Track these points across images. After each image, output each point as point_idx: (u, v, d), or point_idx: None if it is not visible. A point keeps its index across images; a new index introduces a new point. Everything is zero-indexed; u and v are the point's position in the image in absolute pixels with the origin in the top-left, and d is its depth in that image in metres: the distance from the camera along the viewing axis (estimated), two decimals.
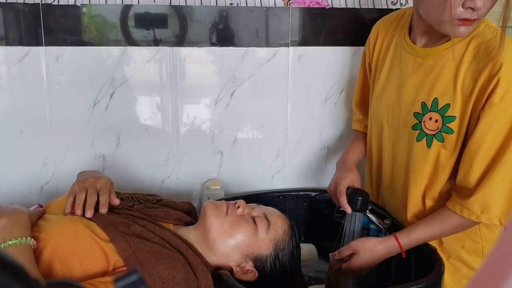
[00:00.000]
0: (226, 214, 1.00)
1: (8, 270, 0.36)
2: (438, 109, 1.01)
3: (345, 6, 1.40)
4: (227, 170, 1.47)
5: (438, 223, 1.02)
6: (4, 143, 1.30)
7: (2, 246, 0.80)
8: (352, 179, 1.15)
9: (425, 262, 1.01)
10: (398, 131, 1.12)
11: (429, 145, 1.04)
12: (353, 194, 1.11)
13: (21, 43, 1.25)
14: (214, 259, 0.98)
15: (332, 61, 1.44)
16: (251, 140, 1.46)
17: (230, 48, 1.37)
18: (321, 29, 1.41)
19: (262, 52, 1.39)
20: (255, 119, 1.45)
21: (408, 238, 1.03)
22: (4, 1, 1.21)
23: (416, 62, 1.07)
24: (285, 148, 1.49)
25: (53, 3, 1.24)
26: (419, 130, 1.05)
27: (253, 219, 1.01)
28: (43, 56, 1.27)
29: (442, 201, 1.06)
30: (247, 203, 1.06)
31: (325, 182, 1.42)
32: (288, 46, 1.40)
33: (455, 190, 1.02)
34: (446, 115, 1.00)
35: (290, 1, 1.37)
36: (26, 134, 1.31)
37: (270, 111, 1.45)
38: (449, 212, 1.01)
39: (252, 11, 1.35)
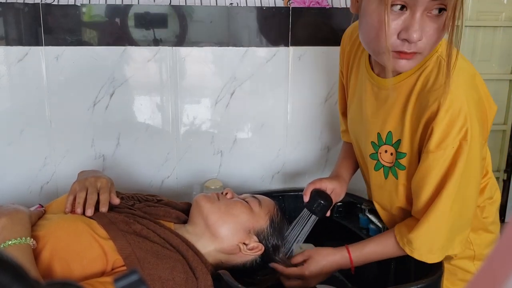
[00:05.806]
0: (218, 199, 1.06)
1: (8, 270, 0.36)
2: (392, 143, 0.96)
3: (345, 6, 1.40)
4: (227, 170, 1.47)
5: (389, 244, 0.99)
6: (4, 143, 1.30)
7: (2, 246, 0.80)
8: (333, 187, 1.11)
9: (425, 262, 1.01)
10: (362, 154, 1.09)
11: (386, 177, 1.00)
12: (319, 194, 1.08)
13: (21, 43, 1.25)
14: (219, 244, 1.00)
15: (332, 61, 1.43)
16: (251, 140, 1.46)
17: (230, 48, 1.37)
18: (321, 29, 1.41)
19: (262, 52, 1.39)
20: (255, 119, 1.45)
21: (359, 253, 1.00)
22: (4, 1, 1.21)
23: (373, 90, 0.98)
24: (285, 148, 1.49)
25: (53, 3, 1.24)
26: (376, 161, 1.01)
27: (244, 200, 1.08)
28: (43, 56, 1.27)
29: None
30: None
31: None
32: (288, 46, 1.40)
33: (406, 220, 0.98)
34: (398, 150, 0.95)
35: (290, 1, 1.37)
36: (26, 134, 1.31)
37: (270, 111, 1.45)
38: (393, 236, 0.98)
39: (252, 11, 1.35)
